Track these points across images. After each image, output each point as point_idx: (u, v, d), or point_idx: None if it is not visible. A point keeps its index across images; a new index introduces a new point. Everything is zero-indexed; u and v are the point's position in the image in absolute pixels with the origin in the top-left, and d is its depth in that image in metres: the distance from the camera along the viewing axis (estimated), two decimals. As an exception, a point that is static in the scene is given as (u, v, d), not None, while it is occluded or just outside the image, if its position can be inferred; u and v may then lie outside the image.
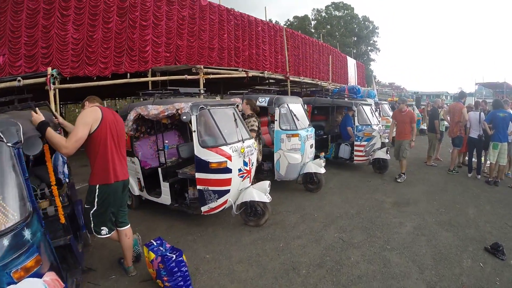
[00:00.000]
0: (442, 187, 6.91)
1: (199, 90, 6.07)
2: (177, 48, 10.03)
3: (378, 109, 11.87)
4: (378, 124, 8.20)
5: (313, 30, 49.77)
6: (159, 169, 4.93)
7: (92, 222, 3.05)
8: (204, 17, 11.16)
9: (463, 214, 5.36)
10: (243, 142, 4.62)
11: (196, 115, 4.26)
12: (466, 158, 8.28)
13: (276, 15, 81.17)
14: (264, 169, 7.00)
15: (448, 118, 8.33)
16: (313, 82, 15.57)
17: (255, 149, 5.00)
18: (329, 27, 49.67)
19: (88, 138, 2.84)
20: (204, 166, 4.24)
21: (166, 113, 4.42)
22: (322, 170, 6.31)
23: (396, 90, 57.56)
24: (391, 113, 12.14)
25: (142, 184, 5.20)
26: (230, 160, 4.24)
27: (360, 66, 27.74)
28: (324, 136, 9.01)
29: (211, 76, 9.74)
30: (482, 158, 7.94)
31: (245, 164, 4.59)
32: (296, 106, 6.74)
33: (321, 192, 6.48)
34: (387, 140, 10.30)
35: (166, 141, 5.69)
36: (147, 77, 9.29)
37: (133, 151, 5.22)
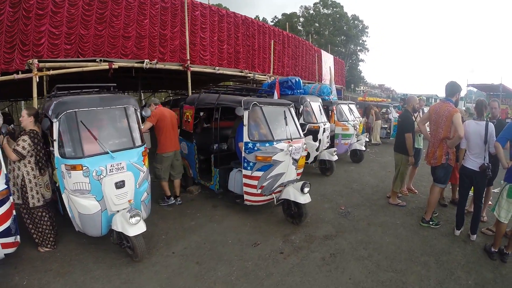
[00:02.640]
0: (397, 274, 3.24)
1: None
2: (81, 39, 7.76)
3: (331, 111, 8.20)
4: (295, 140, 4.48)
5: (301, 28, 46.28)
6: None
7: None
8: (119, 0, 8.46)
9: None
10: None
11: None
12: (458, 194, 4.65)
13: (267, 14, 77.21)
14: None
15: (426, 129, 4.65)
16: (238, 73, 11.45)
17: None
18: (317, 25, 46.10)
19: None
20: None
21: None
22: (134, 231, 3.15)
23: (385, 92, 54.18)
24: (350, 117, 8.47)
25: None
26: None
27: (339, 62, 24.05)
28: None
29: (52, 72, 6.33)
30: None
31: None
32: (98, 114, 3.51)
33: (140, 266, 3.19)
34: (335, 158, 6.64)
35: None
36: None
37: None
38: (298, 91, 7.19)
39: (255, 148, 4.06)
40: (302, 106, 6.55)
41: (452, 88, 4.18)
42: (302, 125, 6.43)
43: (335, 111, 8.15)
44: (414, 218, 4.66)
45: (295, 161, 4.31)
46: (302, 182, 4.20)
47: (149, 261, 3.39)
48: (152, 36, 9.37)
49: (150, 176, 3.97)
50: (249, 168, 4.11)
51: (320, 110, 6.90)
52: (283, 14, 47.80)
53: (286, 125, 4.48)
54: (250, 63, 13.89)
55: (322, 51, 20.60)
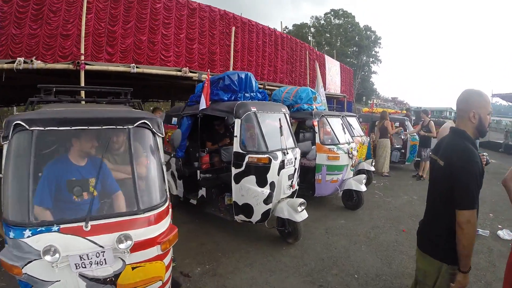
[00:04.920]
0: None
1: None
2: (12, 40, 6.40)
3: (310, 128, 5.00)
4: (104, 225, 1.37)
5: (311, 39, 43.19)
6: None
7: None
8: (59, -7, 6.64)
9: None
10: None
11: None
12: None
13: (279, 26, 74.04)
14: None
15: None
16: (173, 73, 7.32)
17: None
18: (328, 35, 42.85)
19: None
20: None
21: None
22: None
23: (399, 105, 50.10)
24: (344, 137, 5.23)
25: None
26: None
27: (346, 70, 20.62)
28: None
29: None
30: None
31: None
32: None
33: None
34: (300, 218, 3.43)
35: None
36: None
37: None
38: (247, 94, 4.01)
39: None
40: (240, 121, 3.37)
41: None
42: (237, 156, 3.26)
43: (317, 129, 4.90)
44: None
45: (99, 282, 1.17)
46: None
47: None
48: (98, 33, 7.17)
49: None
50: None
51: (281, 127, 3.68)
52: (294, 25, 44.99)
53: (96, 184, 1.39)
54: (229, 66, 10.95)
55: (326, 56, 17.37)
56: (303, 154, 5.55)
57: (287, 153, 3.55)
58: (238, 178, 3.39)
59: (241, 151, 3.31)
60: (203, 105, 3.83)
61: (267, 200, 3.35)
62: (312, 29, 43.99)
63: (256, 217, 3.47)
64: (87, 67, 5.43)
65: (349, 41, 42.19)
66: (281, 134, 3.62)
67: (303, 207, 3.43)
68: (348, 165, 4.93)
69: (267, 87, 9.87)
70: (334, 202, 5.36)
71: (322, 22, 43.43)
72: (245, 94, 3.99)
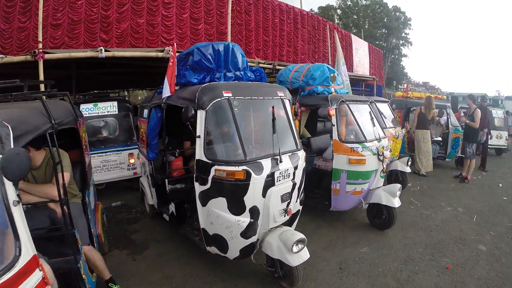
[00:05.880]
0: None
1: None
2: (2, 35, 5.98)
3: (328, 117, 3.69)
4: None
5: (338, 21, 40.27)
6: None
7: None
8: (44, -18, 6.17)
9: None
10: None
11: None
12: None
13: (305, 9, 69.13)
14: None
15: None
16: (151, 55, 6.46)
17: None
18: (355, 17, 39.73)
19: None
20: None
21: None
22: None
23: (430, 91, 46.16)
24: (373, 131, 3.79)
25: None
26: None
27: (375, 51, 18.38)
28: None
29: None
30: None
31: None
32: None
33: None
34: (301, 259, 2.08)
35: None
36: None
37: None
38: (229, 74, 2.72)
39: None
40: (204, 114, 2.13)
41: None
42: (201, 167, 2.02)
43: (334, 119, 3.52)
44: None
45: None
46: None
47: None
48: (90, 20, 6.55)
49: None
50: None
51: (274, 121, 2.37)
52: (319, 8, 42.09)
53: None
54: (243, 47, 9.61)
55: (353, 36, 15.34)
56: (319, 152, 4.22)
57: (281, 162, 2.26)
58: (204, 199, 2.17)
59: (205, 159, 2.07)
60: (166, 91, 2.62)
61: (246, 233, 2.12)
62: (339, 11, 40.91)
63: (232, 253, 2.26)
64: (47, 56, 4.63)
65: (378, 22, 38.94)
66: (274, 132, 2.32)
67: (301, 246, 2.16)
68: (377, 170, 3.54)
69: (277, 67, 8.49)
70: (357, 217, 4.00)
71: (349, 3, 40.23)
72: (227, 73, 2.71)
